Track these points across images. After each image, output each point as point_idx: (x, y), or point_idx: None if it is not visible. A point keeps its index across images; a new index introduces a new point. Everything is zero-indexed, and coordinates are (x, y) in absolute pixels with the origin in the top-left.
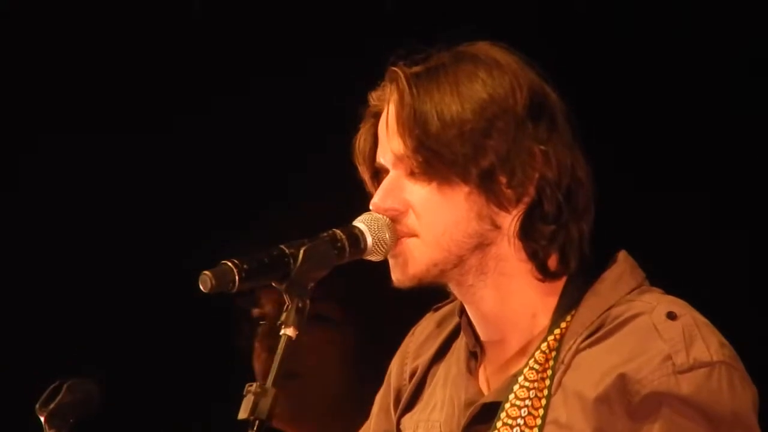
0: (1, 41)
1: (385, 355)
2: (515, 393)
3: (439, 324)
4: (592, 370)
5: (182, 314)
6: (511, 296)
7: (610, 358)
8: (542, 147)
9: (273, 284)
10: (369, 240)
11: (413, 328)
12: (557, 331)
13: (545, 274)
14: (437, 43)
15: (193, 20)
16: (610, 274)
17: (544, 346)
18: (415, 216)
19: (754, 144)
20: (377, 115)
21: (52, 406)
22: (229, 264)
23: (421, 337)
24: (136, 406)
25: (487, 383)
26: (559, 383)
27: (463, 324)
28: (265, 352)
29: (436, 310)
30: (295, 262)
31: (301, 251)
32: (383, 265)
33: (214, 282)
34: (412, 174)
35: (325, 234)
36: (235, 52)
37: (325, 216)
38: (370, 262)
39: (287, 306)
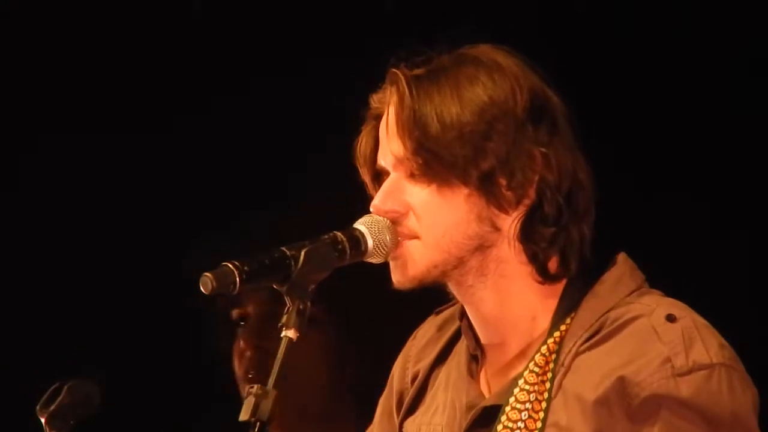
0: (1, 41)
1: (370, 357)
2: (516, 396)
3: (441, 327)
4: (592, 373)
5: (182, 315)
6: (510, 298)
7: (610, 360)
8: (542, 149)
9: (274, 286)
10: (370, 242)
11: (415, 332)
12: (557, 333)
13: (545, 276)
14: (439, 45)
15: (193, 20)
16: (610, 276)
17: (544, 348)
18: (415, 218)
19: (754, 144)
20: (378, 118)
21: (52, 407)
22: (230, 266)
23: (423, 341)
24: (136, 407)
25: (487, 386)
26: (560, 386)
27: (464, 327)
28: (251, 351)
29: (438, 313)
30: (295, 264)
31: (302, 253)
32: (370, 268)
33: (214, 284)
34: (412, 176)
35: (326, 236)
36: (235, 52)
37: (325, 216)
38: (358, 264)
39: (288, 308)
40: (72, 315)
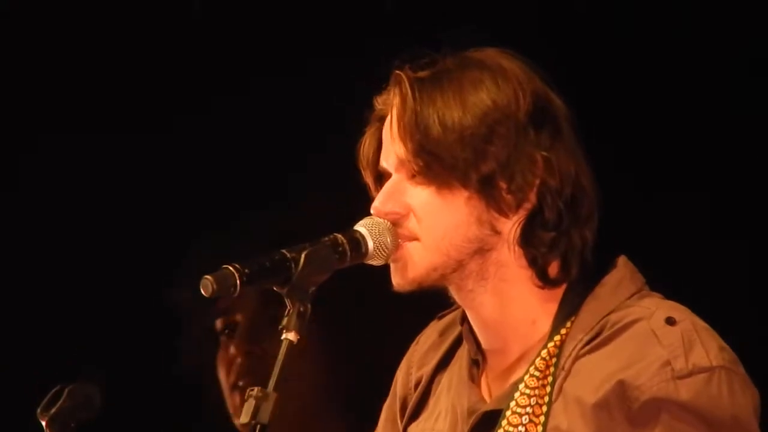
0: (1, 41)
1: (360, 362)
2: (516, 400)
3: (443, 332)
4: (592, 377)
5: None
6: (511, 302)
7: (610, 364)
8: (544, 153)
9: (274, 288)
10: (370, 244)
11: (417, 337)
12: (557, 337)
13: (545, 281)
14: (444, 47)
15: (193, 20)
16: (610, 280)
17: (544, 352)
18: (415, 219)
19: (754, 145)
20: (382, 119)
21: (53, 410)
22: (231, 268)
23: (425, 346)
24: (136, 410)
25: (488, 391)
26: (560, 390)
27: (465, 332)
28: (241, 358)
29: (440, 318)
30: (296, 266)
31: (303, 255)
32: (361, 272)
33: (215, 286)
34: (413, 178)
35: (327, 238)
36: (235, 52)
37: (325, 216)
38: (348, 269)
39: (288, 310)
40: (72, 316)
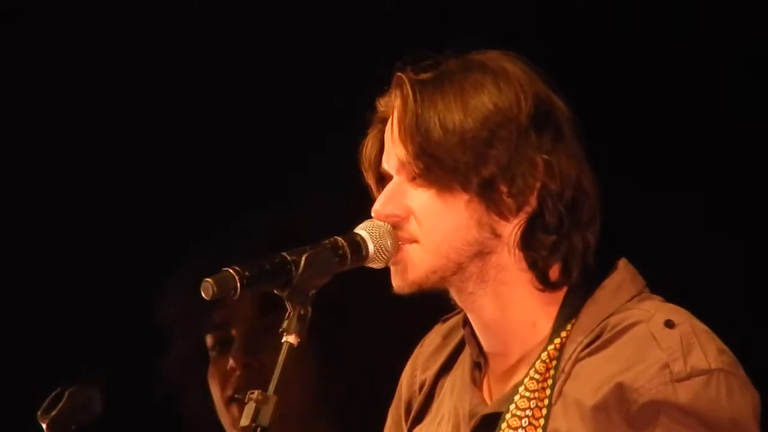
0: (1, 41)
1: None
2: (516, 403)
3: (447, 335)
4: (591, 379)
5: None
6: (511, 305)
7: (609, 366)
8: (545, 157)
9: (275, 291)
10: (370, 247)
11: (422, 340)
12: (557, 340)
13: (545, 284)
14: (447, 49)
15: (193, 20)
16: (610, 282)
17: (544, 355)
18: (416, 222)
19: (755, 145)
20: (384, 121)
21: (53, 413)
22: (231, 271)
23: (430, 349)
24: (137, 413)
25: (490, 394)
26: (560, 392)
27: (467, 335)
28: (240, 370)
29: (444, 321)
30: (296, 269)
31: (303, 258)
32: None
33: (215, 289)
34: (414, 180)
35: (327, 241)
36: (235, 52)
37: (325, 216)
38: (343, 274)
39: (289, 313)
40: (72, 317)
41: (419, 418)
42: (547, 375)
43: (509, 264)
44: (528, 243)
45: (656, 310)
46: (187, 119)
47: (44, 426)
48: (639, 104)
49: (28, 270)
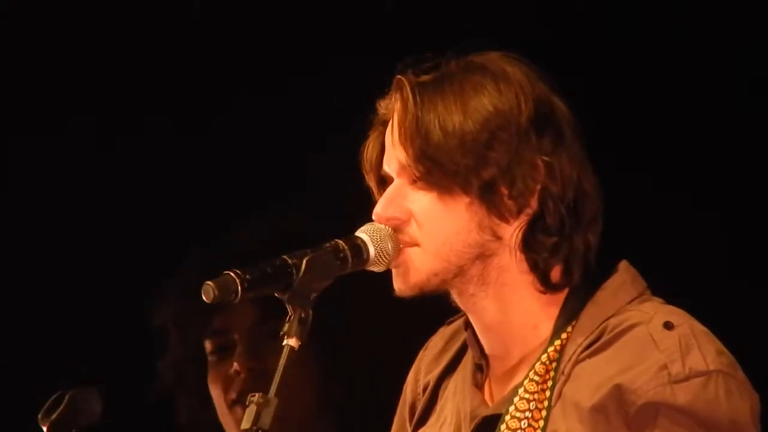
0: (1, 41)
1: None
2: (515, 405)
3: (451, 338)
4: (590, 381)
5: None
6: (512, 307)
7: (608, 368)
8: (546, 159)
9: (276, 294)
10: (371, 251)
11: (426, 343)
12: (557, 342)
13: (547, 286)
14: (447, 51)
15: (193, 20)
16: (611, 284)
17: (544, 357)
18: (416, 225)
19: (756, 145)
20: (385, 123)
21: (54, 416)
22: (232, 274)
23: (434, 351)
24: (138, 415)
25: (491, 395)
26: (559, 394)
27: (469, 337)
28: (245, 373)
29: (449, 323)
30: (297, 272)
31: (304, 261)
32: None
33: (216, 292)
34: (414, 183)
35: (328, 244)
36: (234, 53)
37: (325, 216)
38: (344, 277)
39: (290, 316)
40: (72, 319)
41: (423, 421)
42: (547, 377)
43: (510, 266)
44: (529, 245)
45: (655, 311)
46: (186, 119)
47: (45, 429)
48: (640, 105)
49: (28, 271)
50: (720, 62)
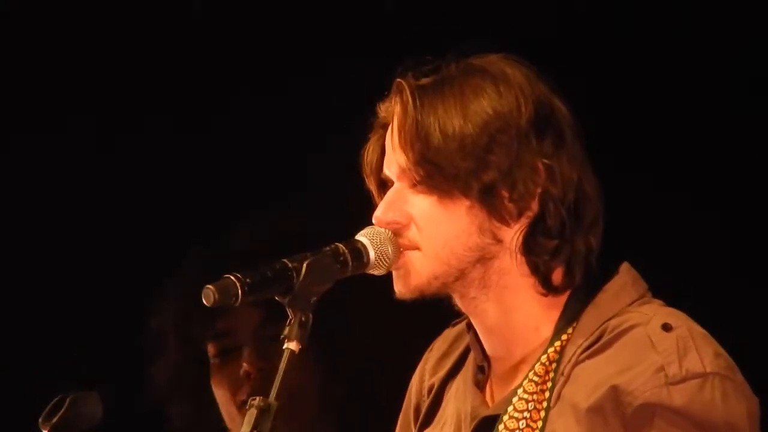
0: (1, 41)
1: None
2: (514, 405)
3: (455, 340)
4: (588, 382)
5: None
6: (513, 309)
7: (606, 369)
8: (546, 161)
9: (276, 298)
10: (372, 254)
11: (432, 344)
12: (558, 343)
13: (548, 289)
14: (447, 53)
15: (193, 20)
16: (612, 286)
17: (543, 358)
18: (416, 229)
19: (757, 146)
20: (385, 126)
21: (55, 419)
22: (232, 278)
23: (439, 353)
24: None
25: (492, 396)
26: (558, 395)
27: (471, 338)
28: (255, 373)
29: (453, 325)
30: (297, 276)
31: (304, 265)
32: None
33: (217, 296)
34: (414, 186)
35: (328, 248)
36: (234, 53)
37: (325, 217)
38: (344, 281)
39: (290, 320)
40: (72, 320)
41: (427, 423)
42: (547, 378)
43: (511, 269)
44: (530, 248)
45: (654, 313)
46: (186, 119)
47: None
48: (640, 105)
49: (28, 271)
50: (720, 62)
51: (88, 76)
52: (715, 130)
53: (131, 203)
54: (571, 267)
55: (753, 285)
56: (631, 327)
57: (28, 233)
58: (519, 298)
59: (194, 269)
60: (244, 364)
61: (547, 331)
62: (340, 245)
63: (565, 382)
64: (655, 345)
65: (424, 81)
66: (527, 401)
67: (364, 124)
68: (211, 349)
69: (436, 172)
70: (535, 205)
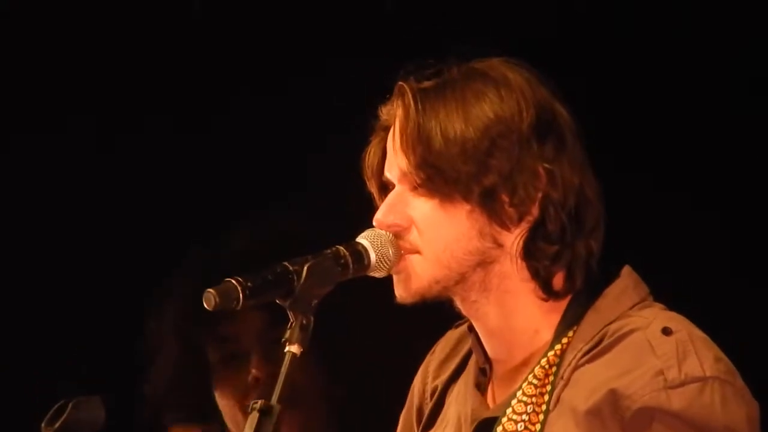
0: (1, 41)
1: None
2: (513, 407)
3: (458, 342)
4: (587, 385)
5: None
6: (514, 313)
7: (605, 372)
8: (547, 166)
9: (277, 301)
10: (372, 256)
11: (434, 346)
12: (558, 346)
13: (549, 293)
14: (449, 56)
15: (193, 20)
16: (613, 290)
17: (543, 361)
18: (417, 232)
19: (754, 145)
20: (387, 129)
21: (57, 424)
22: (233, 282)
23: (441, 356)
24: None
25: (493, 399)
26: (558, 399)
27: (473, 341)
28: (263, 377)
29: (456, 327)
30: (298, 279)
31: (305, 268)
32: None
33: (218, 300)
34: (415, 189)
35: (329, 251)
36: (234, 53)
37: (325, 217)
38: (345, 283)
39: (291, 323)
40: (72, 320)
41: (429, 425)
42: (546, 381)
43: (512, 273)
44: (530, 252)
45: (655, 317)
46: (186, 119)
47: None
48: (640, 105)
49: (28, 271)
50: (720, 62)
51: (88, 76)
52: (715, 130)
53: (131, 203)
54: (572, 272)
55: (753, 285)
56: (631, 331)
57: (28, 233)
58: (519, 302)
59: (194, 269)
60: (253, 370)
61: (548, 334)
62: (341, 248)
63: (565, 385)
64: (655, 349)
65: (426, 84)
66: (526, 404)
67: (364, 125)
68: (214, 354)
69: (437, 176)
70: (535, 210)
